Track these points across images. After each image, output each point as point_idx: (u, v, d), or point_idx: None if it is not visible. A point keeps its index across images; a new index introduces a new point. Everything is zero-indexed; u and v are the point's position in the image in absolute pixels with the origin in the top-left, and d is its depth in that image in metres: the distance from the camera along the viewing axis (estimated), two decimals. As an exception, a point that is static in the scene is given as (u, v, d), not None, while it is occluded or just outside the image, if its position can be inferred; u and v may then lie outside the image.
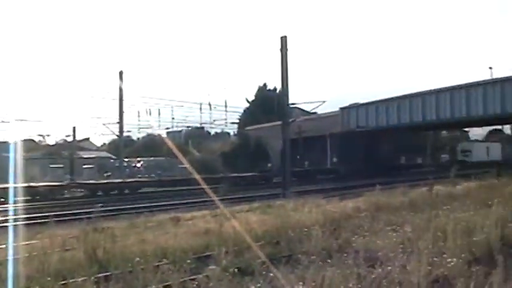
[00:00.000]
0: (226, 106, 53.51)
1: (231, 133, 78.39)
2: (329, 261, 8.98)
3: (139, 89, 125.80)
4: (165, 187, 39.18)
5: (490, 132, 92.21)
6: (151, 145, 64.59)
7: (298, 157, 51.83)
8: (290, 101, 34.89)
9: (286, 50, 33.85)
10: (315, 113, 65.53)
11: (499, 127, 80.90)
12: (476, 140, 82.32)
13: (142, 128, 55.54)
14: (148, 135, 69.59)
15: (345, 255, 9.17)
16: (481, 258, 9.48)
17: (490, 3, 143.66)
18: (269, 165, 57.00)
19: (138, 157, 56.62)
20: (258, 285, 7.89)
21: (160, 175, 49.33)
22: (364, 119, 51.46)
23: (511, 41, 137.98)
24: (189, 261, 9.41)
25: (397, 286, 7.51)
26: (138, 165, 54.72)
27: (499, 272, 7.31)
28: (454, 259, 8.54)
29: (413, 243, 9.94)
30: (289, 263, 9.37)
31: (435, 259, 8.69)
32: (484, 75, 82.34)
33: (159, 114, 51.97)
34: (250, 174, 46.35)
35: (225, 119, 55.18)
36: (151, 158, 56.64)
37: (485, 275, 7.37)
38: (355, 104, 53.91)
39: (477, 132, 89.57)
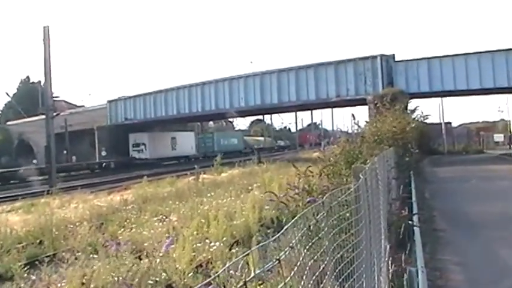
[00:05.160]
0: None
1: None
2: (95, 256, 8.96)
3: None
4: None
5: (252, 122, 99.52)
6: None
7: (65, 152, 49.46)
8: (55, 94, 33.48)
9: (49, 40, 32.53)
10: (83, 106, 63.40)
11: (261, 117, 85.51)
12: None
13: None
14: None
15: (111, 248, 9.20)
16: (241, 240, 10.21)
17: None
18: (34, 161, 53.14)
19: None
20: (18, 289, 7.56)
21: None
22: (132, 112, 51.16)
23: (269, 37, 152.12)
24: None
25: (162, 273, 7.89)
26: None
27: (255, 251, 8.12)
28: (217, 243, 9.04)
29: (178, 231, 10.31)
30: (53, 262, 9.10)
31: (199, 245, 9.22)
32: (245, 69, 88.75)
33: None
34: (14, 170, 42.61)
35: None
36: None
37: (246, 256, 8.01)
38: (123, 96, 53.28)
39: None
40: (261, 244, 2.04)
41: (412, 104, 26.72)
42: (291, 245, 1.92)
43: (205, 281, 1.82)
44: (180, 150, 58.03)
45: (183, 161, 54.98)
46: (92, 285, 7.29)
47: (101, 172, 44.32)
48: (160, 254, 8.24)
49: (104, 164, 47.88)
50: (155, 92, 49.57)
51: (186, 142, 60.40)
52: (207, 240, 9.54)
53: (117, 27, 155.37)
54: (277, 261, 1.68)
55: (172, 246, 8.33)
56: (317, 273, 2.22)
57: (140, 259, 8.51)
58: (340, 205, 3.09)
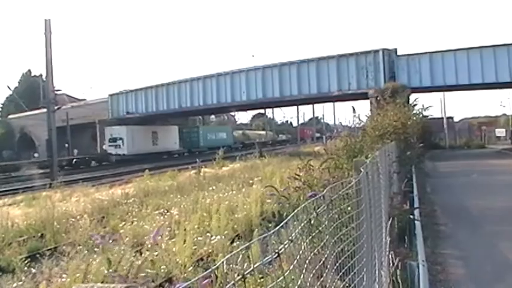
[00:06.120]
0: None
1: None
2: (96, 249, 8.97)
3: None
4: None
5: (254, 116, 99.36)
6: None
7: (66, 145, 49.47)
8: (57, 87, 33.53)
9: (50, 33, 32.47)
10: (84, 99, 63.34)
11: (262, 111, 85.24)
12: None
13: None
14: None
15: (113, 242, 9.21)
16: (242, 233, 10.22)
17: None
18: (36, 155, 53.14)
19: None
20: (20, 282, 7.57)
21: None
22: (133, 105, 51.02)
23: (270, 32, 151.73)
24: None
25: (163, 267, 7.90)
26: None
27: (256, 244, 8.11)
28: (218, 237, 9.07)
29: (180, 225, 10.38)
30: (54, 256, 9.11)
31: (200, 238, 9.23)
32: (247, 63, 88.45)
33: None
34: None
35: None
36: None
37: (247, 249, 8.00)
38: (124, 90, 53.17)
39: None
40: (261, 237, 2.04)
41: (413, 98, 26.71)
42: (290, 238, 1.91)
43: (204, 273, 1.81)
44: (162, 145, 55.27)
45: (165, 157, 52.16)
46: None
47: (103, 166, 44.23)
48: (159, 247, 8.24)
49: (75, 160, 46.11)
50: (157, 85, 49.37)
51: (169, 137, 57.46)
52: (208, 234, 9.55)
53: (119, 20, 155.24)
54: (277, 255, 1.68)
55: (165, 237, 8.35)
56: (317, 267, 2.22)
57: (141, 253, 8.53)
58: (341, 198, 3.08)
